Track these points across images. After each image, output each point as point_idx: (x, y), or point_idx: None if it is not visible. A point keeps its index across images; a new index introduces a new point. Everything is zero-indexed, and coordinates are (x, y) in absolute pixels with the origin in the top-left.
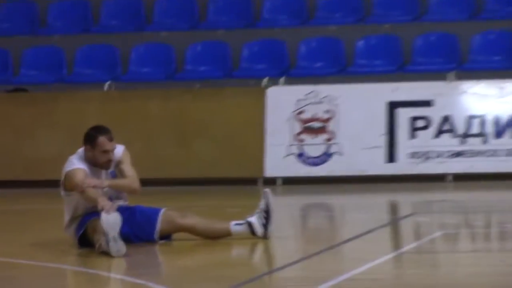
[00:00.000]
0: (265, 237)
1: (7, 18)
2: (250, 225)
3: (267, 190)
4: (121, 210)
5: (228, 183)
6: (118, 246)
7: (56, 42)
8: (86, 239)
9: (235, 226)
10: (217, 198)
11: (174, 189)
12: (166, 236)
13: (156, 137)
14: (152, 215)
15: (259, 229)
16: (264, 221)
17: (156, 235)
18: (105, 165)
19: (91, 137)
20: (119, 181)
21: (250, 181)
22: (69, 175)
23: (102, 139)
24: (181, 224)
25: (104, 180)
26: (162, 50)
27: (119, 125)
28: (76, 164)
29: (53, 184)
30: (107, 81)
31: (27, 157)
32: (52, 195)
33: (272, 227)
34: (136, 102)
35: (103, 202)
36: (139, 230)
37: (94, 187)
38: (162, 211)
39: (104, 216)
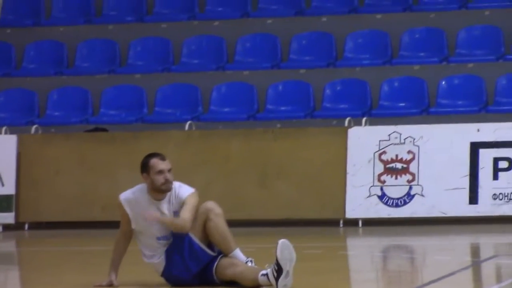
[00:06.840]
0: None
1: (87, 57)
2: (267, 276)
3: (281, 241)
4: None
5: (309, 224)
6: (286, 281)
7: (137, 81)
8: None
9: (261, 276)
10: (297, 240)
11: (255, 230)
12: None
13: (237, 177)
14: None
15: (273, 282)
16: (275, 274)
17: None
18: (164, 186)
19: (143, 164)
20: (168, 220)
21: (331, 223)
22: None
23: (153, 160)
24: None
25: (157, 216)
26: (244, 90)
27: (200, 164)
28: (122, 198)
29: None
30: (187, 120)
31: (106, 197)
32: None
33: (287, 280)
34: (216, 141)
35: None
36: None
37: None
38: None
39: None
